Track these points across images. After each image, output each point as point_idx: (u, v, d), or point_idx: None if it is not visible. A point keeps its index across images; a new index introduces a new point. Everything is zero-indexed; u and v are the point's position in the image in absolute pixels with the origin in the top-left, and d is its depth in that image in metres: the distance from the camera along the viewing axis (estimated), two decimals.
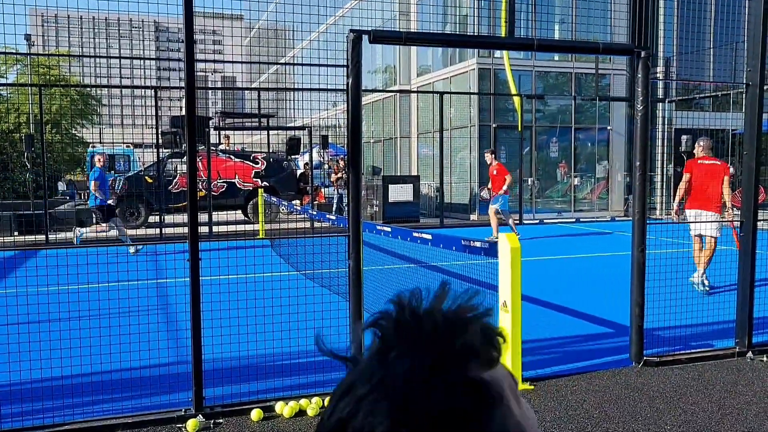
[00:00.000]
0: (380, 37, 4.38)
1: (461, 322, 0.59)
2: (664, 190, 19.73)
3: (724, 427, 4.04)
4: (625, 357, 5.29)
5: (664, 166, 19.92)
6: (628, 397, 4.54)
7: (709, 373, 5.05)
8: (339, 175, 18.11)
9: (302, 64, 17.84)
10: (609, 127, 20.24)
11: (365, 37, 4.46)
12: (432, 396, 0.54)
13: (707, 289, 7.88)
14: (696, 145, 8.40)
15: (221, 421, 4.13)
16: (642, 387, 4.73)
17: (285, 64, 23.94)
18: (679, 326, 5.73)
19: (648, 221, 5.31)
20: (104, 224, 11.59)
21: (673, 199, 8.55)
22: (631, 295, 5.27)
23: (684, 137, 16.32)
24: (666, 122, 19.82)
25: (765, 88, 5.39)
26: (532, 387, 4.71)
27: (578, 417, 4.19)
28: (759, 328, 5.67)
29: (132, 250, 11.35)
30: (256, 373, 4.76)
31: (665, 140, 19.89)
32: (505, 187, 12.74)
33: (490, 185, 13.09)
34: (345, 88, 4.48)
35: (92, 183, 11.66)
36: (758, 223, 5.62)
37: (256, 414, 4.13)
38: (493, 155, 13.28)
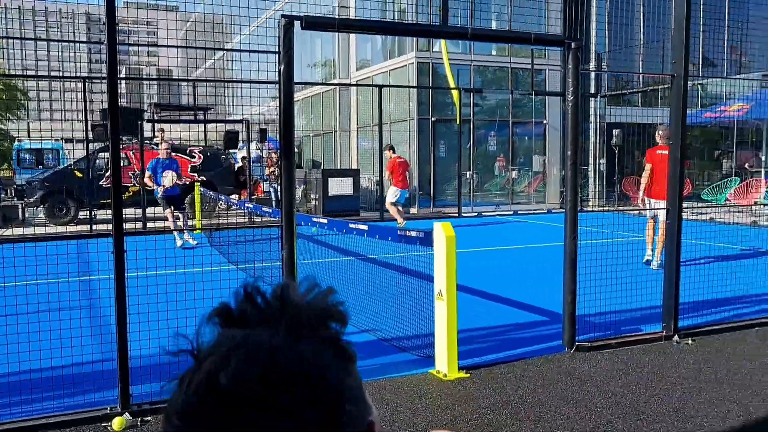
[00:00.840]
0: (312, 23, 4.30)
1: (312, 295, 0.63)
2: (597, 183, 20.29)
3: (651, 407, 4.15)
4: (558, 343, 5.39)
5: (597, 160, 20.48)
6: (560, 381, 4.62)
7: (638, 356, 5.19)
8: (272, 168, 17.88)
9: (233, 50, 17.46)
10: (545, 122, 20.66)
11: (298, 24, 4.38)
12: (296, 347, 0.57)
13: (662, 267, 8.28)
14: (656, 133, 8.92)
15: (149, 418, 3.99)
16: (574, 371, 4.82)
17: (215, 49, 23.32)
18: (609, 312, 5.87)
19: (581, 212, 5.41)
20: (174, 213, 11.25)
21: (638, 189, 9.10)
22: (563, 282, 5.37)
23: (615, 131, 16.80)
24: (598, 117, 20.37)
25: (689, 84, 5.56)
26: (468, 375, 4.73)
27: (512, 402, 4.23)
28: (684, 313, 5.87)
29: (179, 243, 10.91)
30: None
31: (598, 134, 20.46)
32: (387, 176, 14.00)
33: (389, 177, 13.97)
34: (277, 76, 4.39)
35: (146, 174, 11.59)
36: (683, 213, 5.81)
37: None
38: (391, 150, 14.10)
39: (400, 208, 13.75)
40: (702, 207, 14.99)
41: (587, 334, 5.49)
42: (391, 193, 13.62)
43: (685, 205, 5.94)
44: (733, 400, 4.25)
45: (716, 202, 16.17)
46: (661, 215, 8.45)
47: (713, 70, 21.42)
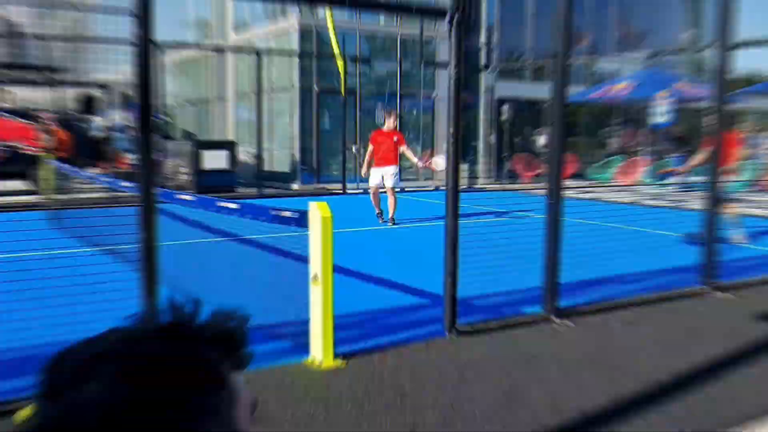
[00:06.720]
0: None
1: (213, 320, 0.67)
2: (487, 159, 20.99)
3: (529, 391, 4.36)
4: (439, 327, 5.53)
5: (487, 135, 21.17)
6: (439, 366, 4.76)
7: (518, 339, 5.44)
8: None
9: None
10: (435, 94, 21.04)
11: None
12: (158, 352, 0.62)
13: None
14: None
15: None
16: (453, 356, 4.98)
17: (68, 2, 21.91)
18: (492, 294, 6.11)
19: (468, 190, 5.56)
20: None
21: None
22: (444, 264, 5.50)
23: (504, 107, 17.43)
24: (488, 91, 21.02)
25: (576, 61, 5.83)
26: (345, 363, 4.77)
27: (388, 390, 4.32)
28: (566, 292, 6.18)
29: None
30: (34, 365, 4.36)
31: (490, 109, 21.11)
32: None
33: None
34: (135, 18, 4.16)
35: None
36: (563, 192, 6.10)
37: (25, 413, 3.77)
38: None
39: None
40: (581, 187, 15.90)
41: (468, 317, 5.68)
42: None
43: (569, 183, 6.26)
44: (604, 380, 4.56)
45: (602, 181, 17.20)
46: None
47: (602, 47, 22.61)
